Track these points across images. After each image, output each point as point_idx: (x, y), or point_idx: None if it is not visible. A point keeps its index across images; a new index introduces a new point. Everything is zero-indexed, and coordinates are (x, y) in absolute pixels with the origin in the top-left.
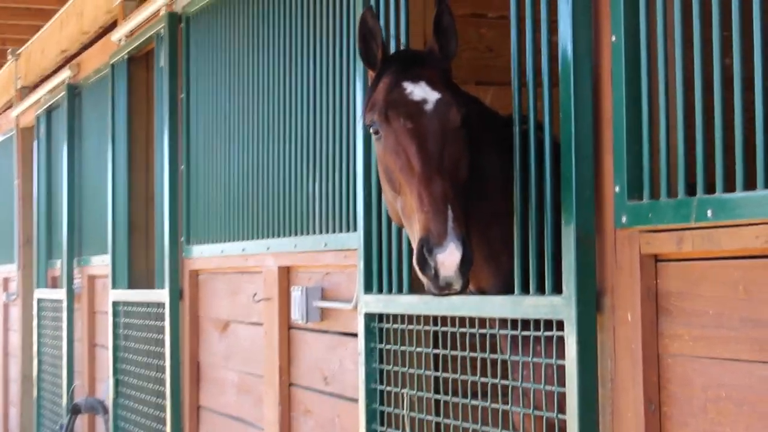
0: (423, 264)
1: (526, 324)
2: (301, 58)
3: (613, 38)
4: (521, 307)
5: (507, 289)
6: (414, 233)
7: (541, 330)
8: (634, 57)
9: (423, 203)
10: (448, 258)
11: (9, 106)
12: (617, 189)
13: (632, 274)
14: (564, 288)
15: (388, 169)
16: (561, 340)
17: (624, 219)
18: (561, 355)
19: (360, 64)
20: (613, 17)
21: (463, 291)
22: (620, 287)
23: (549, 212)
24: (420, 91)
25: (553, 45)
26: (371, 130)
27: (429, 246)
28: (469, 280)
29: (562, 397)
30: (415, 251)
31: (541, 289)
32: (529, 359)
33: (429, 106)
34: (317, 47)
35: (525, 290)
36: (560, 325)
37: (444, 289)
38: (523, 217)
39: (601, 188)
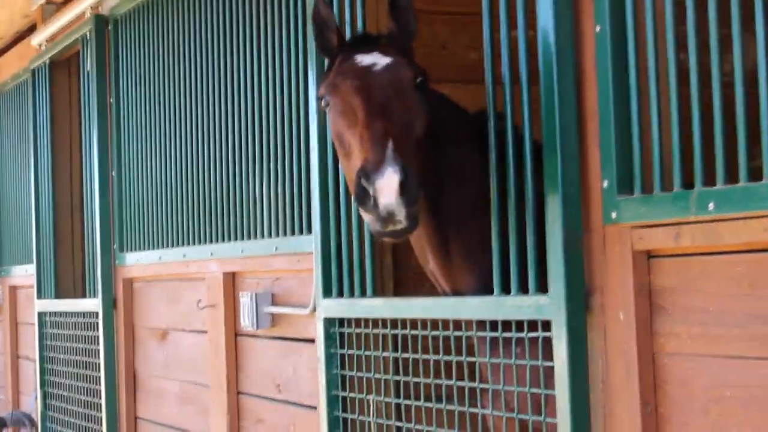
0: (362, 196)
1: (506, 325)
2: (244, 55)
3: (598, 28)
4: (502, 308)
5: (486, 290)
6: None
7: (525, 331)
8: (621, 47)
9: (363, 140)
10: (387, 182)
11: None
12: (605, 184)
13: (623, 272)
14: (551, 287)
15: (339, 134)
16: (546, 342)
17: (614, 215)
18: (546, 356)
19: (311, 56)
20: (597, 5)
21: (410, 230)
22: (610, 285)
23: (531, 210)
24: (370, 59)
25: (531, 40)
26: (322, 104)
27: (366, 174)
28: (418, 220)
29: (548, 399)
30: (353, 186)
31: (523, 289)
32: (512, 362)
33: (377, 67)
34: (261, 42)
35: (505, 290)
36: (546, 326)
37: (387, 222)
38: (501, 214)
39: (587, 184)
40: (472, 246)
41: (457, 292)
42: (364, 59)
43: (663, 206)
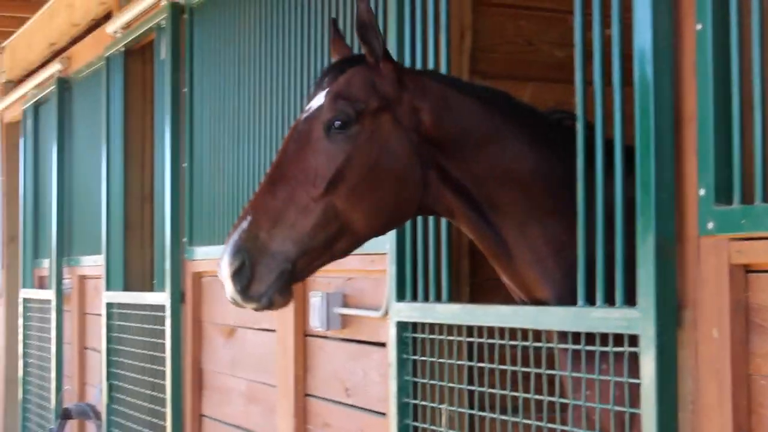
0: None
1: (589, 338)
2: (321, 47)
3: (699, 26)
4: (587, 319)
5: (559, 300)
6: None
7: (610, 345)
8: (723, 47)
9: None
10: (222, 271)
11: None
12: (702, 192)
13: (719, 286)
14: (640, 300)
15: None
16: (633, 357)
17: (710, 225)
18: (632, 373)
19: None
20: (698, 2)
21: (271, 306)
22: (704, 300)
23: (620, 217)
24: (315, 100)
25: (625, 40)
26: None
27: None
28: (278, 296)
29: (633, 418)
30: None
31: (609, 301)
32: (595, 376)
33: (303, 116)
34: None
35: (589, 302)
36: (632, 340)
37: (240, 303)
38: (587, 222)
39: (682, 191)
40: (538, 252)
41: (534, 301)
42: (312, 102)
43: (764, 218)
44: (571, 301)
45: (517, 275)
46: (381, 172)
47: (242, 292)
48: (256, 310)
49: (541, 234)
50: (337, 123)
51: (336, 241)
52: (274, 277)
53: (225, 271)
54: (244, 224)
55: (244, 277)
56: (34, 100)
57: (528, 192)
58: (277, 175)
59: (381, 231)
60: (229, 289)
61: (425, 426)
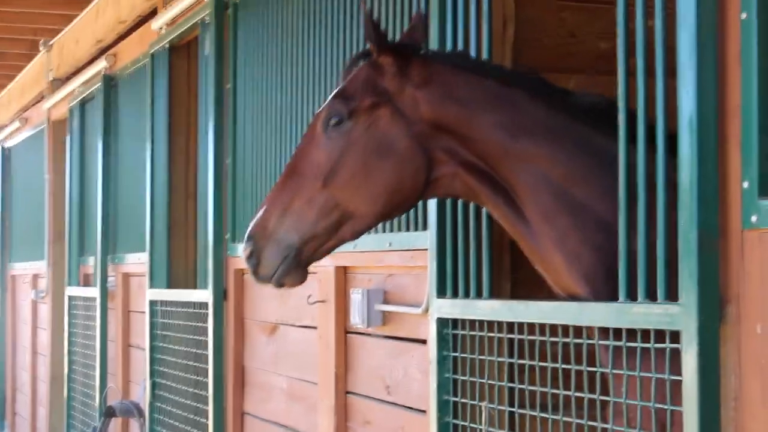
0: None
1: (630, 334)
2: (359, 46)
3: (743, 15)
4: (628, 315)
5: (596, 294)
6: None
7: (651, 341)
8: None
9: None
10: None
11: (40, 98)
12: (746, 185)
13: (763, 281)
14: (682, 295)
15: None
16: (674, 353)
17: (754, 218)
18: (673, 369)
19: (434, 45)
20: None
21: (284, 284)
22: (748, 295)
23: (662, 211)
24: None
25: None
26: None
27: None
28: (287, 276)
29: (674, 416)
30: None
31: (650, 296)
32: (636, 373)
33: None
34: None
35: (630, 297)
36: (674, 336)
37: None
38: (629, 215)
39: (725, 184)
40: (569, 245)
41: (571, 295)
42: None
43: None
44: (606, 294)
45: (544, 262)
46: (376, 163)
47: (254, 274)
48: (276, 287)
49: (570, 224)
50: (332, 120)
51: (340, 227)
52: (278, 261)
53: (242, 255)
54: (258, 214)
55: (253, 261)
56: (81, 97)
57: (553, 178)
58: (289, 169)
59: (386, 216)
60: (249, 270)
61: (465, 423)
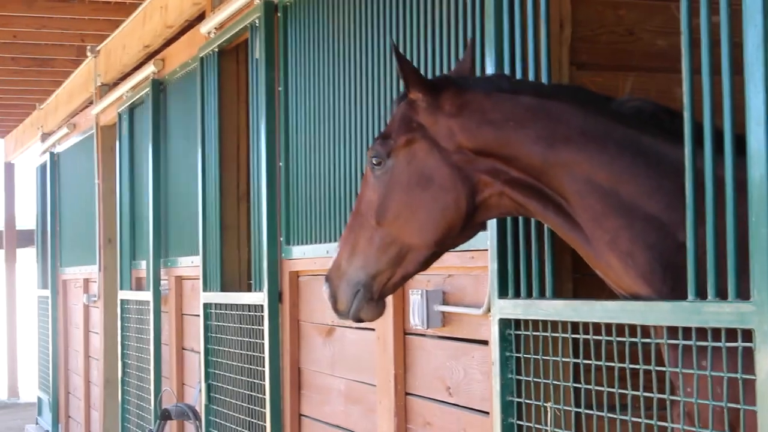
0: None
1: (699, 333)
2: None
3: None
4: (698, 314)
5: (656, 293)
6: None
7: (723, 340)
8: None
9: None
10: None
11: (88, 104)
12: None
13: None
14: (754, 293)
15: None
16: (746, 353)
17: None
18: (745, 369)
19: (489, 46)
20: None
21: (356, 321)
22: None
23: (731, 208)
24: None
25: (734, 26)
26: None
27: None
28: (365, 312)
29: (748, 416)
30: None
31: (720, 295)
32: (707, 373)
33: None
34: (436, 34)
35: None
36: (746, 335)
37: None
38: (696, 213)
39: None
40: (622, 245)
41: (632, 295)
42: None
43: None
44: (666, 292)
45: (601, 265)
46: (419, 195)
47: (334, 311)
48: (354, 321)
49: (620, 225)
50: (374, 161)
51: (401, 260)
52: (351, 298)
53: (325, 295)
54: (334, 255)
55: (331, 299)
56: (129, 102)
57: (597, 181)
58: (354, 210)
59: (442, 244)
60: (332, 311)
61: (530, 425)
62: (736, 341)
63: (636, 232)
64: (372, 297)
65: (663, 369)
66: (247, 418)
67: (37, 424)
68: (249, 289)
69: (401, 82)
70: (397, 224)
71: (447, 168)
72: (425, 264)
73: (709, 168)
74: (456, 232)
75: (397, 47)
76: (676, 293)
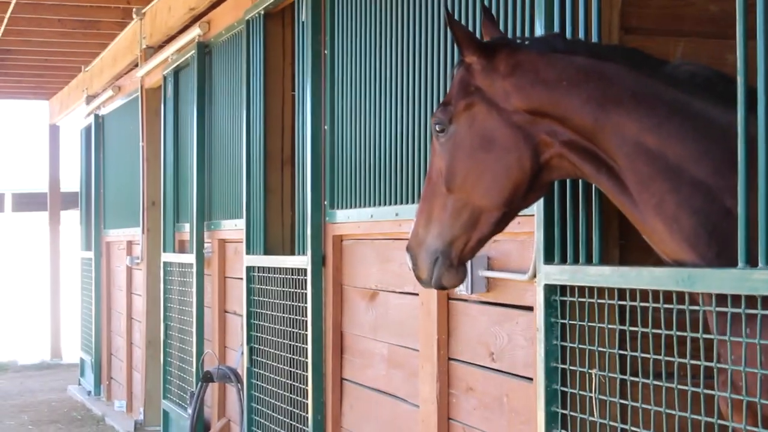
0: None
1: (749, 301)
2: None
3: None
4: (747, 281)
5: (701, 259)
6: None
7: None
8: None
9: None
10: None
11: (133, 66)
12: None
13: None
14: None
15: None
16: None
17: None
18: None
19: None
20: None
21: (439, 288)
22: None
23: None
24: None
25: None
26: None
27: None
28: (444, 279)
29: None
30: None
31: None
32: (756, 341)
33: None
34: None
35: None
36: None
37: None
38: (748, 179)
39: None
40: (667, 209)
41: (676, 261)
42: None
43: None
44: (711, 259)
45: (647, 229)
46: (483, 157)
47: (417, 279)
48: (437, 288)
49: (667, 188)
50: (437, 128)
51: (475, 224)
52: (430, 266)
53: (408, 264)
54: (412, 225)
55: (413, 268)
56: (174, 65)
57: (645, 143)
58: (426, 180)
59: (512, 204)
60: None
61: (574, 391)
62: None
63: (682, 197)
64: (452, 264)
65: (711, 337)
66: (289, 381)
67: (79, 384)
68: (292, 253)
69: (447, 45)
70: (466, 188)
71: (508, 128)
72: (498, 225)
73: (763, 134)
74: (522, 192)
75: (450, 14)
76: (721, 260)
